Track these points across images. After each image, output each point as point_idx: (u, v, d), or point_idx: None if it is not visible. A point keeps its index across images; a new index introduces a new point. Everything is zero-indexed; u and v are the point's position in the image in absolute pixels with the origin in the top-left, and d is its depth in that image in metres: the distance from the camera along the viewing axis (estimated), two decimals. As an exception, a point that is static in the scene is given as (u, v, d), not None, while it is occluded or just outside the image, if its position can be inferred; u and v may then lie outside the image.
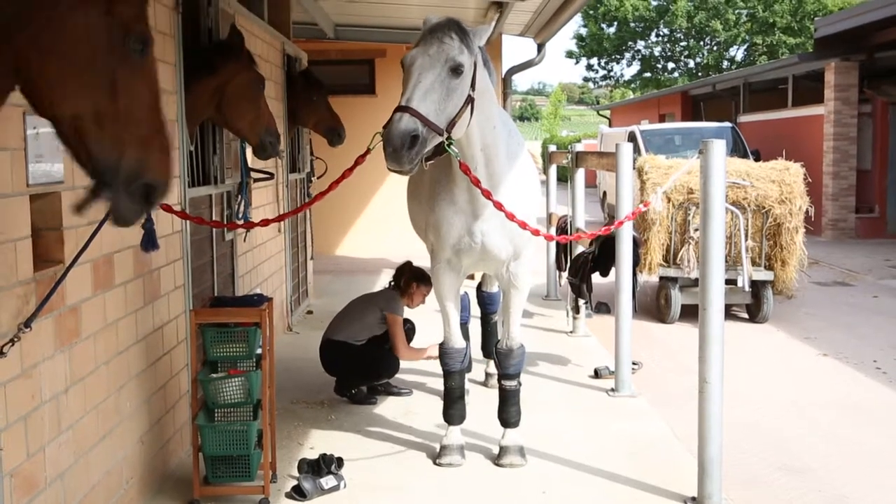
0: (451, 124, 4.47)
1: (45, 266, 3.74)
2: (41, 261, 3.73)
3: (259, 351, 5.00)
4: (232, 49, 5.90)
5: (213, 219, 6.51)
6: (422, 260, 5.98)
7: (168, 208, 4.03)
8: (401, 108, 4.29)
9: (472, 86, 4.60)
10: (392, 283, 6.98)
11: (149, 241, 3.59)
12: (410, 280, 6.85)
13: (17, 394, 3.48)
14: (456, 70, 4.45)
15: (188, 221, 5.62)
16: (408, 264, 7.00)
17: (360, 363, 6.71)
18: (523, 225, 4.95)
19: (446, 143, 4.49)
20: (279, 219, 4.85)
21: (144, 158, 2.24)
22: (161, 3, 5.20)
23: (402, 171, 4.35)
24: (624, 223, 6.59)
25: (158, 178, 2.29)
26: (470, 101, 4.58)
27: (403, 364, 6.97)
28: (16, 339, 3.22)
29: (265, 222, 4.59)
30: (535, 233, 5.09)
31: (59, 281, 3.51)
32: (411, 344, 6.94)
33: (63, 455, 3.90)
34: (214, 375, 4.93)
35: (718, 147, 4.95)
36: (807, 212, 10.18)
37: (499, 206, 4.81)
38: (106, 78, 2.15)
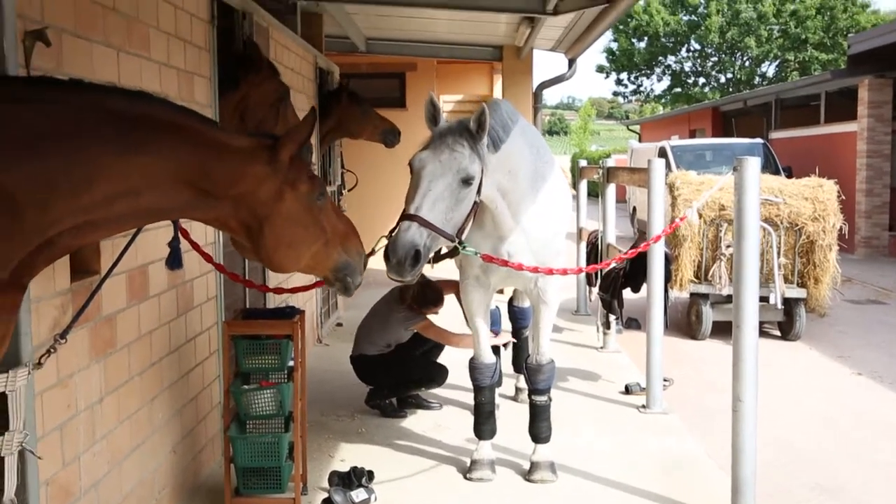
0: (460, 231, 4.50)
1: (82, 277, 3.77)
2: (78, 271, 3.77)
3: (291, 363, 5.01)
4: (251, 61, 5.88)
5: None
6: (451, 273, 5.96)
7: (209, 258, 4.10)
8: (409, 217, 4.26)
9: (479, 191, 4.59)
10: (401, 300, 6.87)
11: (174, 260, 3.65)
12: (413, 305, 6.76)
13: (53, 403, 3.51)
14: (467, 181, 4.45)
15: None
16: (415, 286, 6.61)
17: (405, 374, 6.75)
18: (549, 271, 5.01)
19: (461, 248, 4.56)
20: (305, 289, 4.83)
21: (353, 248, 3.23)
22: (197, 17, 5.26)
23: (402, 281, 4.32)
24: (661, 238, 6.55)
25: (363, 253, 3.30)
26: (475, 206, 4.60)
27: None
28: (52, 350, 3.24)
29: (295, 290, 4.73)
30: (563, 272, 5.15)
31: (95, 291, 3.54)
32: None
33: (97, 464, 3.93)
34: (246, 387, 4.95)
35: (753, 164, 4.92)
36: (840, 229, 10.08)
37: (519, 267, 4.91)
38: (317, 226, 3.07)
